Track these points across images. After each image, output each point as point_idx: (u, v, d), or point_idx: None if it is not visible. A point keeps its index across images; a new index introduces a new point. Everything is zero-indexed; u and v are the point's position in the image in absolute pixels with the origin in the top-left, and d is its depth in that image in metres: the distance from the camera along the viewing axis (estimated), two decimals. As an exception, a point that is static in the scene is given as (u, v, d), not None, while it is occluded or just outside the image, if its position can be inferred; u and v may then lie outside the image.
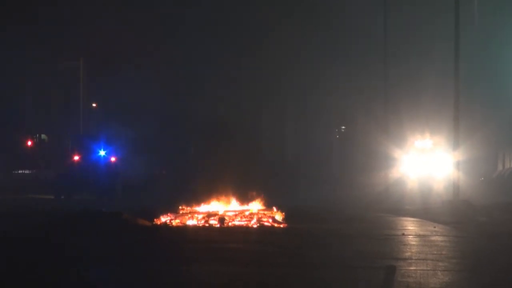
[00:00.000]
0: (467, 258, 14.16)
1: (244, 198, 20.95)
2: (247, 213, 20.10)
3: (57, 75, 49.19)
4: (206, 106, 45.89)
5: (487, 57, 43.75)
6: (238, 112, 45.07)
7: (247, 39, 45.84)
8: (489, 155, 45.56)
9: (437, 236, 17.39)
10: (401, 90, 43.01)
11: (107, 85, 47.54)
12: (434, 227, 19.52)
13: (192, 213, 20.08)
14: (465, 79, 32.91)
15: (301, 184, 40.30)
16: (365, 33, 45.11)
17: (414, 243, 16.29)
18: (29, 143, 49.87)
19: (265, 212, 20.12)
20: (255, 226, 19.28)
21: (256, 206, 20.59)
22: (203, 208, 20.48)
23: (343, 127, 53.66)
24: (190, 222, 19.66)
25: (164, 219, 19.93)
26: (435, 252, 14.56)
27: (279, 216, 19.92)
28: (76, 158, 34.36)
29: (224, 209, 20.32)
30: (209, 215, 19.83)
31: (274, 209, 20.31)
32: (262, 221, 19.56)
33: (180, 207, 20.49)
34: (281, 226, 19.37)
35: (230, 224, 19.44)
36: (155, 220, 19.87)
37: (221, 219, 19.46)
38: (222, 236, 17.49)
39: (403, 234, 17.67)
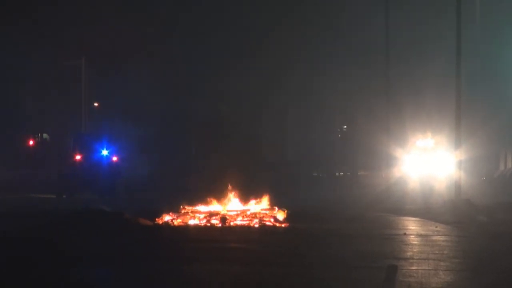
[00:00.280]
0: (469, 258, 14.15)
1: (246, 198, 20.93)
2: (248, 212, 20.08)
3: (59, 74, 49.18)
4: (207, 105, 45.92)
5: (489, 56, 43.73)
6: (239, 112, 45.12)
7: (248, 39, 45.86)
8: (491, 154, 45.52)
9: (438, 236, 17.38)
10: (402, 89, 43.01)
11: (109, 84, 47.56)
12: (436, 226, 19.50)
13: (194, 212, 20.07)
14: (467, 78, 32.87)
15: (302, 183, 40.26)
16: (367, 32, 45.10)
17: (415, 242, 16.28)
18: (31, 142, 49.92)
19: (267, 212, 20.11)
20: (256, 225, 19.27)
21: (257, 205, 20.58)
22: (205, 207, 20.46)
23: (345, 127, 53.66)
24: (192, 222, 19.65)
25: (165, 218, 19.92)
26: (436, 252, 14.55)
27: (280, 216, 19.91)
28: (78, 157, 34.30)
29: (226, 208, 20.30)
30: (211, 214, 19.82)
31: (276, 208, 20.30)
32: (263, 220, 19.54)
33: (181, 207, 20.48)
34: (283, 225, 19.36)
35: (231, 223, 19.42)
36: (156, 219, 19.87)
37: (223, 219, 19.45)
38: (224, 235, 17.48)
39: (405, 234, 17.66)
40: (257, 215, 19.86)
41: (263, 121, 46.69)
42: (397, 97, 41.20)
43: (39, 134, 52.65)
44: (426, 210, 25.75)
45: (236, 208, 20.37)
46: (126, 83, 46.14)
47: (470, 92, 36.90)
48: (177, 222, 19.73)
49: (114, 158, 34.55)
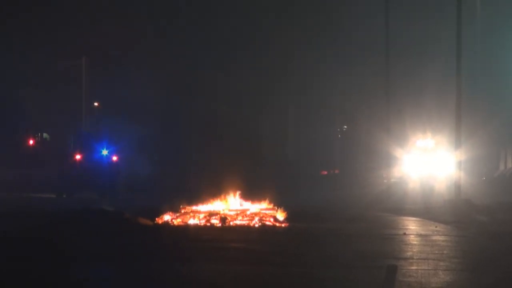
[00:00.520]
0: (469, 257, 14.15)
1: (246, 198, 20.94)
2: (248, 212, 20.09)
3: (59, 74, 49.17)
4: (207, 105, 45.93)
5: (489, 56, 43.75)
6: (239, 112, 45.08)
7: (249, 39, 45.87)
8: (491, 154, 45.55)
9: (438, 236, 17.38)
10: (402, 89, 43.04)
11: (109, 84, 47.57)
12: (436, 226, 19.50)
13: (194, 212, 20.07)
14: (467, 78, 32.87)
15: (302, 183, 40.27)
16: (367, 32, 45.13)
17: (415, 242, 16.29)
18: (31, 141, 49.90)
19: (267, 212, 20.11)
20: (256, 225, 19.28)
21: (257, 205, 20.59)
22: (205, 207, 20.47)
23: (345, 126, 53.66)
24: (192, 221, 19.65)
25: (165, 218, 19.93)
26: (436, 252, 14.55)
27: (280, 216, 19.92)
28: (78, 157, 34.31)
29: (226, 208, 20.30)
30: (211, 214, 19.82)
31: (276, 208, 20.30)
32: (263, 220, 19.55)
33: (181, 206, 20.49)
34: (283, 225, 19.36)
35: (231, 223, 19.43)
36: (156, 219, 19.88)
37: (223, 219, 19.46)
38: (224, 235, 17.49)
39: (404, 234, 17.66)
40: (257, 215, 19.86)
41: (263, 120, 46.70)
42: (398, 97, 41.22)
43: (39, 134, 52.63)
44: (426, 210, 25.77)
45: (236, 208, 20.38)
46: (126, 83, 46.15)
47: (470, 92, 36.92)
48: (177, 221, 19.73)
49: (114, 158, 34.55)
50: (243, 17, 46.27)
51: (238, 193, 20.92)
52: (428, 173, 38.60)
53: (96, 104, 51.73)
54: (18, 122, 50.22)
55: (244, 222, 19.52)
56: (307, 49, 47.59)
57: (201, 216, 19.79)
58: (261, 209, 20.32)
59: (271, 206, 20.51)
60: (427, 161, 39.13)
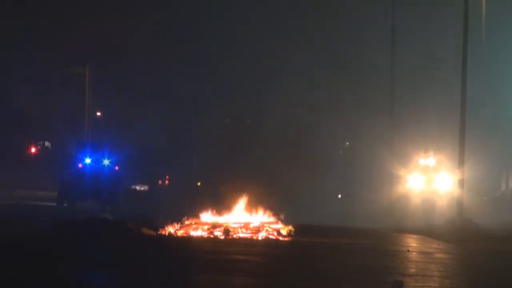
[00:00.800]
0: (473, 275, 14.14)
1: (249, 211, 20.93)
2: (251, 225, 20.08)
3: (62, 82, 49.23)
4: (211, 118, 46.02)
5: (493, 78, 43.89)
6: (244, 125, 45.12)
7: (248, 55, 46.02)
8: (492, 174, 45.56)
9: (442, 254, 17.39)
10: (406, 108, 43.10)
11: (112, 93, 47.62)
12: (438, 244, 19.52)
13: (197, 223, 20.07)
14: (470, 98, 32.96)
15: (305, 198, 40.23)
16: (371, 47, 45.20)
17: (419, 259, 16.29)
18: (33, 149, 49.89)
19: (270, 225, 20.11)
20: (260, 238, 19.27)
21: (261, 218, 20.58)
22: (208, 219, 20.46)
23: (347, 143, 53.64)
24: (195, 233, 19.64)
25: (168, 229, 19.90)
26: (441, 269, 14.55)
27: (283, 230, 19.91)
28: (80, 166, 34.27)
29: (229, 220, 20.29)
30: (214, 226, 19.80)
31: (279, 222, 20.31)
32: (267, 233, 19.55)
33: (184, 217, 20.49)
34: (286, 239, 19.36)
35: (235, 236, 19.42)
36: (160, 229, 19.85)
37: (226, 231, 19.44)
38: (227, 247, 17.47)
39: (408, 251, 17.65)
40: (261, 228, 19.85)
41: (265, 132, 46.67)
42: (401, 115, 41.32)
43: (41, 142, 52.65)
44: (428, 228, 25.81)
45: (239, 221, 20.36)
46: (131, 92, 46.23)
47: (472, 112, 36.95)
48: (180, 233, 19.72)
49: (116, 167, 34.52)
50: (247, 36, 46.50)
51: (241, 206, 20.92)
52: (430, 191, 38.61)
53: (99, 113, 51.79)
54: (20, 130, 50.21)
55: (247, 235, 19.51)
56: (309, 65, 47.67)
57: (205, 227, 19.78)
58: (264, 223, 20.32)
59: (275, 220, 20.50)
60: (429, 180, 39.14)
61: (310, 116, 47.30)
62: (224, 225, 19.91)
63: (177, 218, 20.61)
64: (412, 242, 20.04)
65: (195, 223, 20.11)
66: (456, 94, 29.34)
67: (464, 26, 28.22)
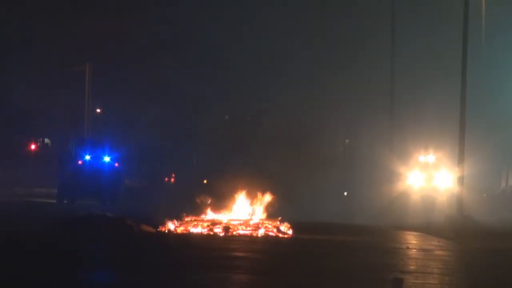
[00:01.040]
0: (473, 272, 14.15)
1: (249, 208, 20.93)
2: (251, 222, 20.09)
3: (63, 80, 49.22)
4: (210, 116, 46.01)
5: (493, 77, 43.92)
6: (244, 123, 45.12)
7: (249, 53, 46.02)
8: (492, 171, 45.58)
9: (441, 251, 17.40)
10: (406, 105, 43.14)
11: (113, 90, 47.62)
12: (438, 241, 19.52)
13: (197, 221, 20.07)
14: (470, 97, 32.96)
15: (305, 196, 40.22)
16: (372, 47, 45.22)
17: (419, 256, 16.29)
18: (33, 146, 49.91)
19: (270, 222, 20.12)
20: (259, 235, 19.28)
21: (260, 216, 20.59)
22: (208, 216, 20.47)
23: (347, 140, 53.62)
24: (195, 230, 19.65)
25: (168, 226, 19.91)
26: (440, 266, 14.56)
27: (283, 227, 19.92)
28: (80, 163, 34.23)
29: (229, 218, 20.30)
30: (214, 223, 19.81)
31: (279, 219, 20.31)
32: (266, 230, 19.55)
33: (184, 214, 20.49)
34: (286, 236, 19.37)
35: (234, 233, 19.43)
36: (159, 226, 19.85)
37: (226, 228, 19.45)
38: (227, 244, 17.47)
39: (408, 248, 17.66)
40: (260, 225, 19.86)
41: (265, 131, 46.68)
42: (401, 112, 41.37)
43: (41, 139, 52.66)
44: (428, 225, 25.80)
45: (239, 218, 20.37)
46: (131, 90, 46.21)
47: (472, 110, 36.96)
48: (180, 230, 19.73)
49: (116, 164, 34.49)
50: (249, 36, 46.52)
51: (241, 203, 20.92)
52: (429, 189, 38.64)
53: (99, 110, 51.79)
54: (20, 127, 50.21)
55: (247, 232, 19.52)
56: (310, 62, 47.68)
57: (204, 225, 19.79)
58: (264, 220, 20.33)
59: (275, 217, 20.50)
60: (429, 177, 39.17)
61: (310, 115, 47.29)
62: (224, 222, 19.92)
63: (177, 215, 20.60)
64: (412, 239, 20.05)
65: (194, 220, 20.11)
66: (456, 94, 29.35)
67: (464, 27, 28.25)
